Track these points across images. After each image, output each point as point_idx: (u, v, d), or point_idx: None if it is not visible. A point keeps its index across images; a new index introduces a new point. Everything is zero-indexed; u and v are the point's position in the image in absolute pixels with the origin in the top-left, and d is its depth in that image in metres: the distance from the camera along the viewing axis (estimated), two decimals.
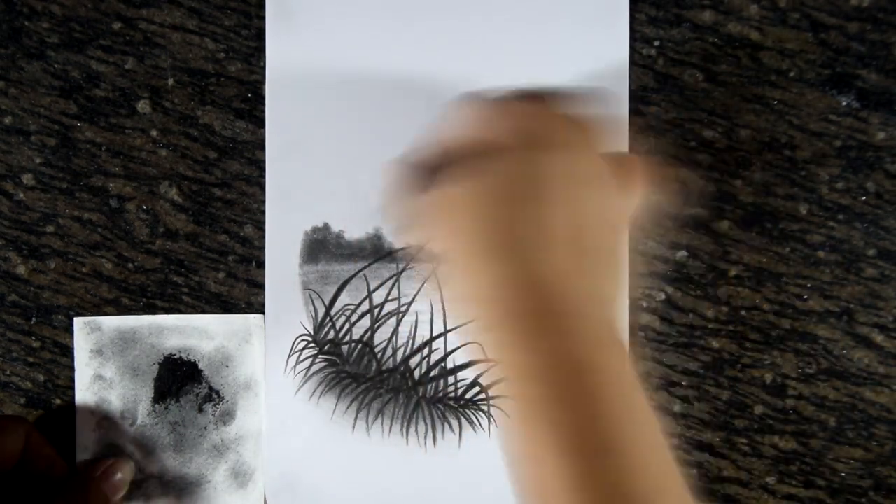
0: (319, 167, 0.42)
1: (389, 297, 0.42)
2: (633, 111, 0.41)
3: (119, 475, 0.40)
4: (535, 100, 0.32)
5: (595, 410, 0.26)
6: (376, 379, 0.42)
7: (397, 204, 0.33)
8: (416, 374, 0.42)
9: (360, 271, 0.42)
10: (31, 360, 0.43)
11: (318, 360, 0.42)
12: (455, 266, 0.30)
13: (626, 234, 0.34)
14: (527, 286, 0.28)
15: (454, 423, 0.42)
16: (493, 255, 0.28)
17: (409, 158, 0.33)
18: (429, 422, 0.42)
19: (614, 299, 0.31)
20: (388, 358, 0.42)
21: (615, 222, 0.31)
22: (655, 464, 0.27)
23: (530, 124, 0.30)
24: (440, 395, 0.42)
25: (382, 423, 0.42)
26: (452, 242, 0.30)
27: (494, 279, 0.28)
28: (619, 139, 0.41)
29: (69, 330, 0.43)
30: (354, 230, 0.42)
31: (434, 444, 0.42)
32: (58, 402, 0.43)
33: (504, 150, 0.30)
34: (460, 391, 0.42)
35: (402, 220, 0.33)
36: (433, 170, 0.33)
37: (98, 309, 0.43)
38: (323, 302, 0.42)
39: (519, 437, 0.28)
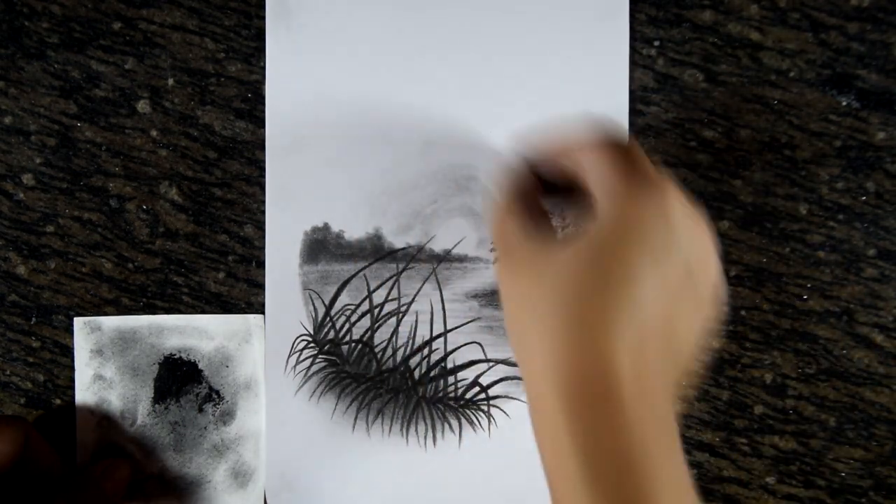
0: (319, 167, 0.42)
1: (389, 297, 0.42)
2: (633, 111, 0.41)
3: (119, 475, 0.40)
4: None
5: None
6: (376, 379, 0.42)
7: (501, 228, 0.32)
8: (416, 374, 0.42)
9: (360, 271, 0.42)
10: (31, 360, 0.43)
11: (318, 360, 0.42)
12: (523, 344, 0.28)
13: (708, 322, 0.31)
14: (598, 376, 0.26)
15: (454, 423, 0.42)
16: (568, 333, 0.26)
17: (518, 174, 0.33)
18: (429, 422, 0.42)
19: (678, 394, 0.29)
20: (388, 358, 0.42)
21: (703, 315, 0.29)
22: None
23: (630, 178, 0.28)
24: (440, 395, 0.42)
25: (382, 423, 0.42)
26: (530, 315, 0.28)
27: (564, 363, 0.26)
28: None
29: (69, 330, 0.43)
30: (354, 230, 0.42)
31: (434, 444, 0.42)
32: (58, 402, 0.43)
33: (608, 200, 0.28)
34: (460, 391, 0.42)
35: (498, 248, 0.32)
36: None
37: (98, 309, 0.43)
38: (323, 302, 0.42)
39: None
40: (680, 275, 0.27)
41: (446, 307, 0.42)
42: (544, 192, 0.34)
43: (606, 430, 0.25)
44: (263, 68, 0.42)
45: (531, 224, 0.31)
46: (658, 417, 0.26)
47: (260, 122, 0.42)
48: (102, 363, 0.42)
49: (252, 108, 0.42)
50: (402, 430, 0.42)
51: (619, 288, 0.26)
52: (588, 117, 0.31)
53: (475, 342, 0.42)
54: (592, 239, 0.27)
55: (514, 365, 0.42)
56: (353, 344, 0.42)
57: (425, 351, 0.42)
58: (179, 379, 0.42)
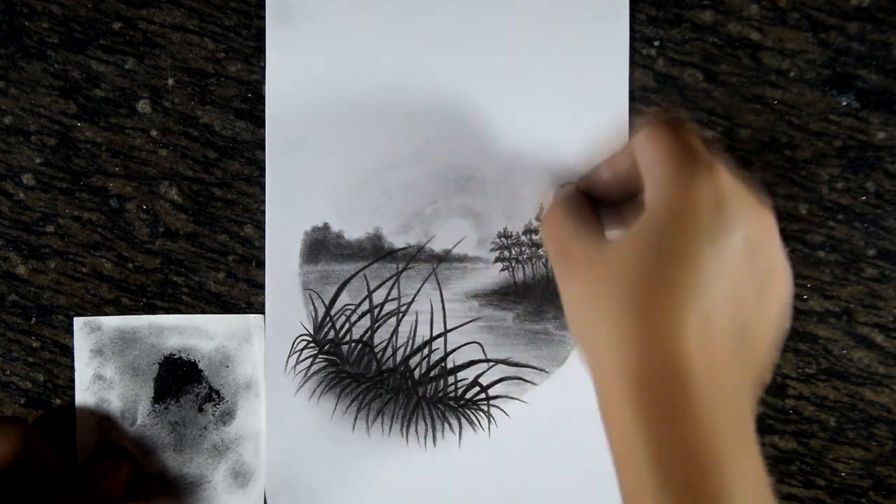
0: (319, 167, 0.42)
1: (389, 297, 0.42)
2: (633, 111, 0.41)
3: (119, 475, 0.40)
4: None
5: None
6: (376, 379, 0.42)
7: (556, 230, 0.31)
8: (416, 374, 0.42)
9: (360, 271, 0.42)
10: (31, 360, 0.43)
11: (318, 360, 0.42)
12: (590, 341, 0.28)
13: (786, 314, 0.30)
14: (669, 373, 0.25)
15: (454, 423, 0.42)
16: (638, 327, 0.25)
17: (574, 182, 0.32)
18: (429, 422, 0.42)
19: (755, 394, 0.27)
20: (388, 358, 0.42)
21: (778, 321, 0.28)
22: None
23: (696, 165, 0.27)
24: (440, 395, 0.42)
25: (382, 423, 0.42)
26: (594, 314, 0.27)
27: (635, 357, 0.25)
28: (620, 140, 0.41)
29: (69, 330, 0.43)
30: (354, 230, 0.42)
31: (434, 444, 0.42)
32: (58, 402, 0.43)
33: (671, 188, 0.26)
34: (460, 391, 0.42)
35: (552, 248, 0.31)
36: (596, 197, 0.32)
37: (98, 309, 0.43)
38: (323, 302, 0.42)
39: None
40: (740, 255, 0.26)
41: (446, 307, 0.42)
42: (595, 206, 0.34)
43: (676, 421, 0.25)
44: (263, 68, 0.42)
45: (583, 226, 0.30)
46: (730, 406, 0.25)
47: (260, 122, 0.42)
48: (102, 363, 0.42)
49: (252, 108, 0.42)
50: (402, 430, 0.42)
51: (678, 275, 0.25)
52: (643, 115, 0.31)
53: (475, 342, 0.42)
54: (646, 228, 0.27)
55: (513, 365, 0.42)
56: (353, 344, 0.42)
57: (425, 351, 0.42)
58: (179, 379, 0.42)
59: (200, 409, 0.42)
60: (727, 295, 0.26)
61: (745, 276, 0.26)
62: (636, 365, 0.25)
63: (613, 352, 0.26)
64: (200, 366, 0.42)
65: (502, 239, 0.42)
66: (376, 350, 0.42)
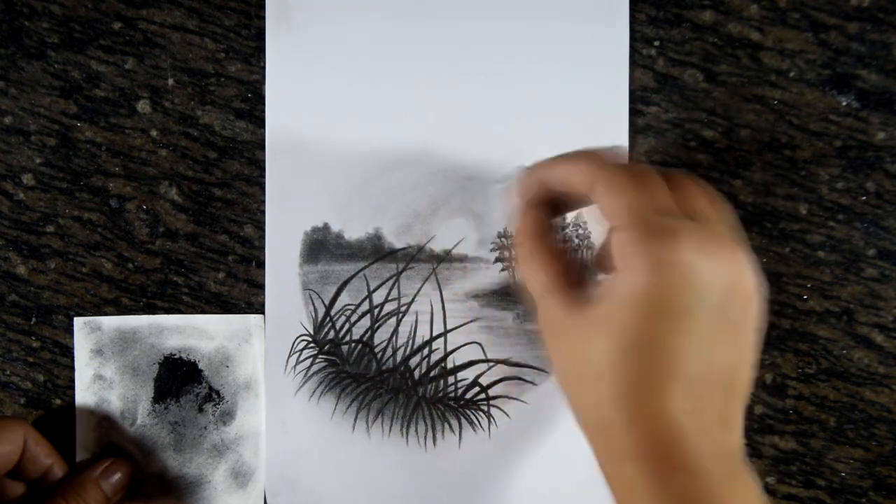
0: (319, 167, 0.42)
1: (389, 297, 0.42)
2: (633, 111, 0.41)
3: (119, 475, 0.40)
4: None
5: None
6: (376, 379, 0.42)
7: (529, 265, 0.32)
8: (416, 374, 0.42)
9: (360, 271, 0.42)
10: (31, 360, 0.43)
11: (318, 360, 0.42)
12: (579, 414, 0.30)
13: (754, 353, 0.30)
14: (661, 438, 0.27)
15: (454, 423, 0.42)
16: (625, 407, 0.27)
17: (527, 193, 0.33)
18: (429, 422, 0.42)
19: (741, 420, 0.29)
20: (388, 358, 0.42)
21: (753, 349, 0.29)
22: None
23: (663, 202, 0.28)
24: (440, 395, 0.42)
25: (382, 423, 0.42)
26: (581, 389, 0.29)
27: (625, 433, 0.27)
28: (619, 141, 0.41)
29: (69, 330, 0.43)
30: (354, 230, 0.42)
31: (434, 444, 0.42)
32: (58, 402, 0.43)
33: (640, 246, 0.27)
34: (460, 391, 0.42)
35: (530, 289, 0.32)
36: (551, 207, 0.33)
37: (98, 309, 0.43)
38: (323, 302, 0.42)
39: None
40: (712, 317, 0.27)
41: (446, 307, 0.42)
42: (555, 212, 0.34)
43: (677, 471, 0.26)
44: (263, 68, 0.42)
45: (553, 281, 0.31)
46: (723, 452, 0.27)
47: (260, 122, 0.42)
48: (102, 363, 0.42)
49: (252, 108, 0.42)
50: (402, 430, 0.42)
51: (656, 354, 0.27)
52: (593, 149, 0.31)
53: (475, 342, 0.42)
54: (618, 310, 0.27)
55: (513, 365, 0.42)
56: (353, 344, 0.42)
57: (425, 351, 0.42)
58: (179, 379, 0.42)
59: (200, 409, 0.42)
60: (704, 357, 0.27)
61: (719, 332, 0.27)
62: (631, 438, 0.27)
63: (609, 422, 0.28)
64: (200, 366, 0.42)
65: (502, 239, 0.42)
66: (376, 350, 0.42)
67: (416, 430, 0.42)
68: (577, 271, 0.31)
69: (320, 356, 0.42)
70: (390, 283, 0.42)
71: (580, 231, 0.41)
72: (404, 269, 0.42)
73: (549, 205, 0.33)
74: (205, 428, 0.42)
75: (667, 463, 0.26)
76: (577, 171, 0.31)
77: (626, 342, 0.27)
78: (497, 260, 0.42)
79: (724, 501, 0.26)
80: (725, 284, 0.27)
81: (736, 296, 0.28)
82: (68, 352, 0.43)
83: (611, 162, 0.30)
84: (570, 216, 0.41)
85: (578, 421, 0.30)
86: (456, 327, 0.42)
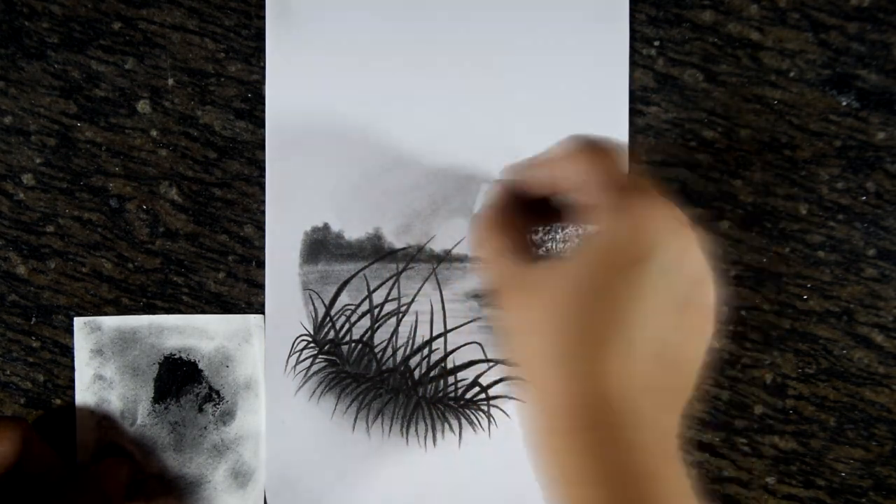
0: (319, 167, 0.42)
1: (389, 297, 0.42)
2: (633, 111, 0.41)
3: (119, 475, 0.40)
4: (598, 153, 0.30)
5: None
6: (376, 379, 0.42)
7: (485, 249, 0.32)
8: (416, 374, 0.42)
9: (360, 271, 0.42)
10: (31, 360, 0.43)
11: (318, 360, 0.42)
12: (522, 365, 0.30)
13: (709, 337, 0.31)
14: (597, 402, 0.27)
15: (454, 423, 0.42)
16: (564, 363, 0.27)
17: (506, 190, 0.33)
18: (429, 422, 0.42)
19: (683, 407, 0.29)
20: (388, 358, 0.42)
21: (703, 334, 0.29)
22: None
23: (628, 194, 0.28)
24: (440, 395, 0.42)
25: (382, 423, 0.42)
26: (525, 339, 0.29)
27: (563, 390, 0.27)
28: (619, 141, 0.41)
29: (69, 330, 0.43)
30: (354, 230, 0.42)
31: (434, 444, 0.42)
32: (58, 402, 0.43)
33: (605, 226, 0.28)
34: (460, 391, 0.42)
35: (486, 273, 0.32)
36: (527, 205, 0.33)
37: (98, 309, 0.43)
38: (323, 302, 0.42)
39: None
40: (656, 280, 0.28)
41: (446, 307, 0.42)
42: (531, 214, 0.34)
43: (607, 444, 0.27)
44: (263, 68, 0.42)
45: (508, 243, 0.31)
46: (655, 426, 0.27)
47: (260, 122, 0.42)
48: (102, 363, 0.42)
49: (252, 108, 0.42)
50: (402, 430, 0.42)
51: (598, 310, 0.27)
52: (574, 136, 0.31)
53: (475, 342, 0.42)
54: (577, 256, 0.28)
55: (514, 365, 0.42)
56: (353, 344, 0.42)
57: (425, 351, 0.42)
58: (179, 379, 0.42)
59: (200, 409, 0.42)
60: (650, 323, 0.27)
61: (663, 299, 0.28)
62: (569, 398, 0.27)
63: (549, 377, 0.28)
64: (200, 366, 0.42)
65: None
66: (376, 350, 0.42)
67: (416, 430, 0.42)
68: (535, 249, 0.32)
69: (320, 356, 0.42)
70: (390, 283, 0.42)
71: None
72: (404, 269, 0.42)
73: (525, 206, 0.33)
74: (205, 428, 0.42)
75: (610, 434, 0.27)
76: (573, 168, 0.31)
77: (578, 292, 0.27)
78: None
79: (655, 479, 0.26)
80: (672, 255, 0.28)
81: (690, 271, 0.28)
82: (68, 352, 0.43)
83: (610, 162, 0.30)
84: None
85: (522, 374, 0.30)
86: (456, 327, 0.42)
